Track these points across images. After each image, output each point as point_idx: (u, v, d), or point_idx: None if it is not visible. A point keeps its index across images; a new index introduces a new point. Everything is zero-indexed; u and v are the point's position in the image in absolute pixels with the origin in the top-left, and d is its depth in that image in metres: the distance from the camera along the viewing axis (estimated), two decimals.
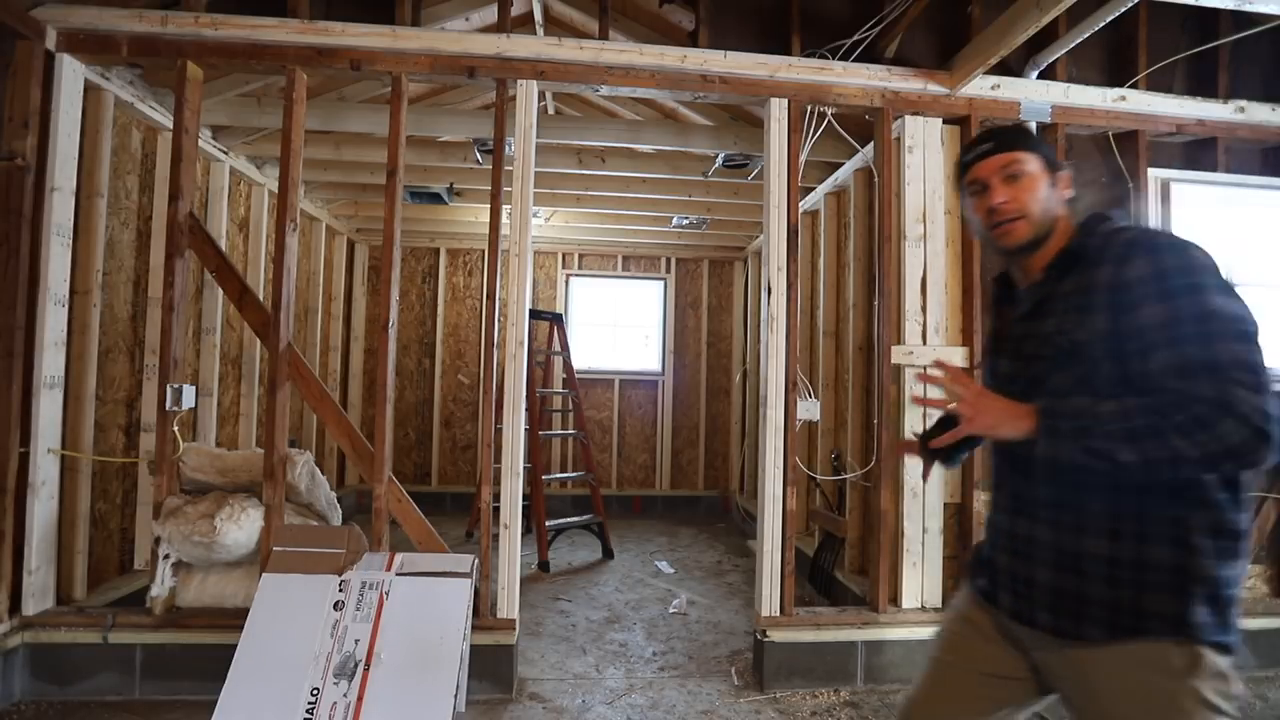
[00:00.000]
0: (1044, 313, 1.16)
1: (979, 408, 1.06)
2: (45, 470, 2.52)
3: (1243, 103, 3.09)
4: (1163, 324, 0.98)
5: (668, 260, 6.56)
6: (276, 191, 3.33)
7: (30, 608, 2.48)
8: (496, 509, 2.67)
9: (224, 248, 3.58)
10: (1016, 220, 1.19)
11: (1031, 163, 1.20)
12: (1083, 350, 1.07)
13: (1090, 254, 1.12)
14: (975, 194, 1.24)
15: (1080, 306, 1.09)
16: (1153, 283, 1.01)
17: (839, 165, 3.78)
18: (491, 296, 2.80)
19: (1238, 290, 0.99)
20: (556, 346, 5.30)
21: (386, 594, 2.37)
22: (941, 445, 1.34)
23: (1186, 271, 1.00)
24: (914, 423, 2.89)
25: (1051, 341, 1.12)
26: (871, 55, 2.94)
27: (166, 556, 2.58)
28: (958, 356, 2.93)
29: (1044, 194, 1.19)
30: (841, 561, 3.60)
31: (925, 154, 2.96)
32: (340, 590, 2.37)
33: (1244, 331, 0.96)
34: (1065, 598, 1.10)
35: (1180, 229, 3.07)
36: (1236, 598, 1.04)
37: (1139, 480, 1.03)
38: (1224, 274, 1.01)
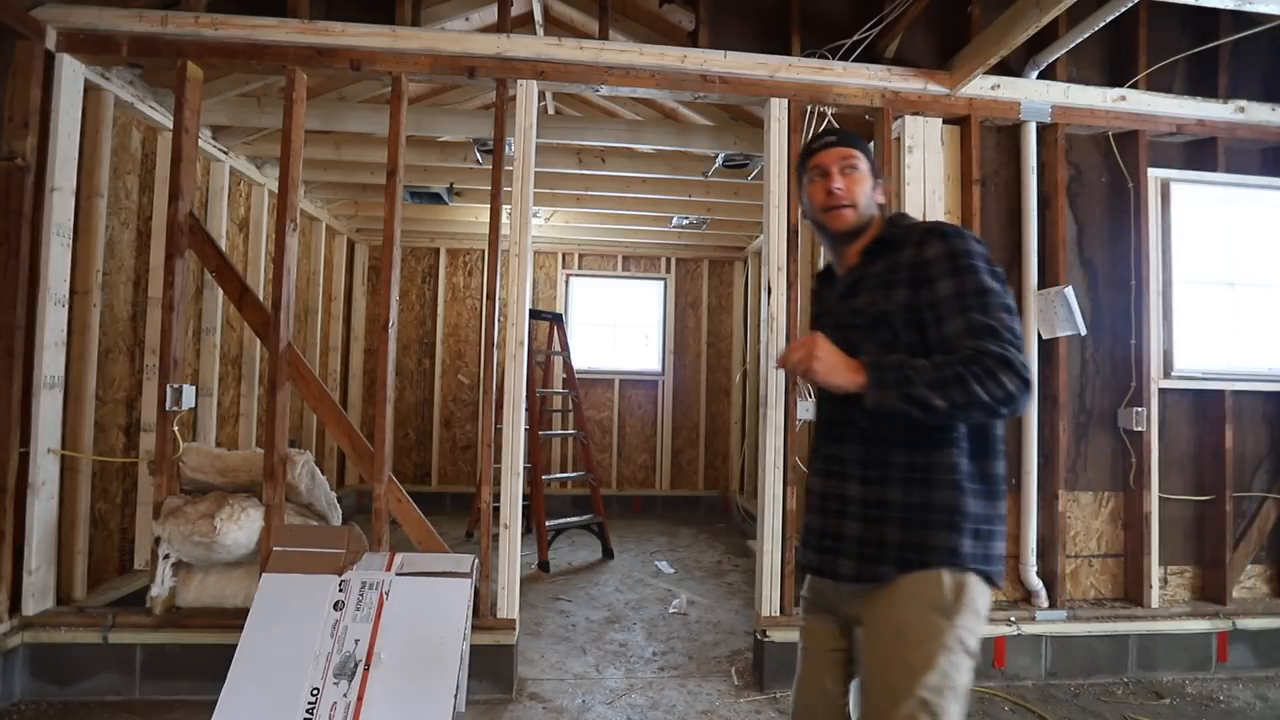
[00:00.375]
0: (858, 291, 1.34)
1: (819, 355, 1.17)
2: (45, 470, 2.52)
3: (1243, 103, 3.09)
4: (954, 295, 1.20)
5: (668, 260, 6.56)
6: (276, 191, 3.33)
7: (30, 608, 2.48)
8: (496, 509, 2.67)
9: (224, 248, 3.58)
10: (846, 207, 1.35)
11: (864, 163, 1.38)
12: (888, 318, 1.26)
13: (895, 241, 1.33)
14: (815, 178, 1.39)
15: (887, 283, 1.29)
16: (946, 261, 1.23)
17: None
18: (491, 296, 2.80)
19: (1000, 273, 1.25)
20: (556, 346, 5.30)
21: (386, 594, 2.37)
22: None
23: (969, 255, 1.23)
24: None
25: (864, 313, 1.30)
26: (871, 55, 2.94)
27: (166, 556, 2.58)
28: None
29: (868, 191, 1.38)
30: None
31: (925, 154, 2.96)
32: (340, 590, 2.37)
33: (1008, 305, 1.21)
34: (869, 545, 1.27)
35: (1181, 229, 3.08)
36: (999, 533, 1.27)
37: (929, 435, 1.23)
38: (990, 260, 1.26)
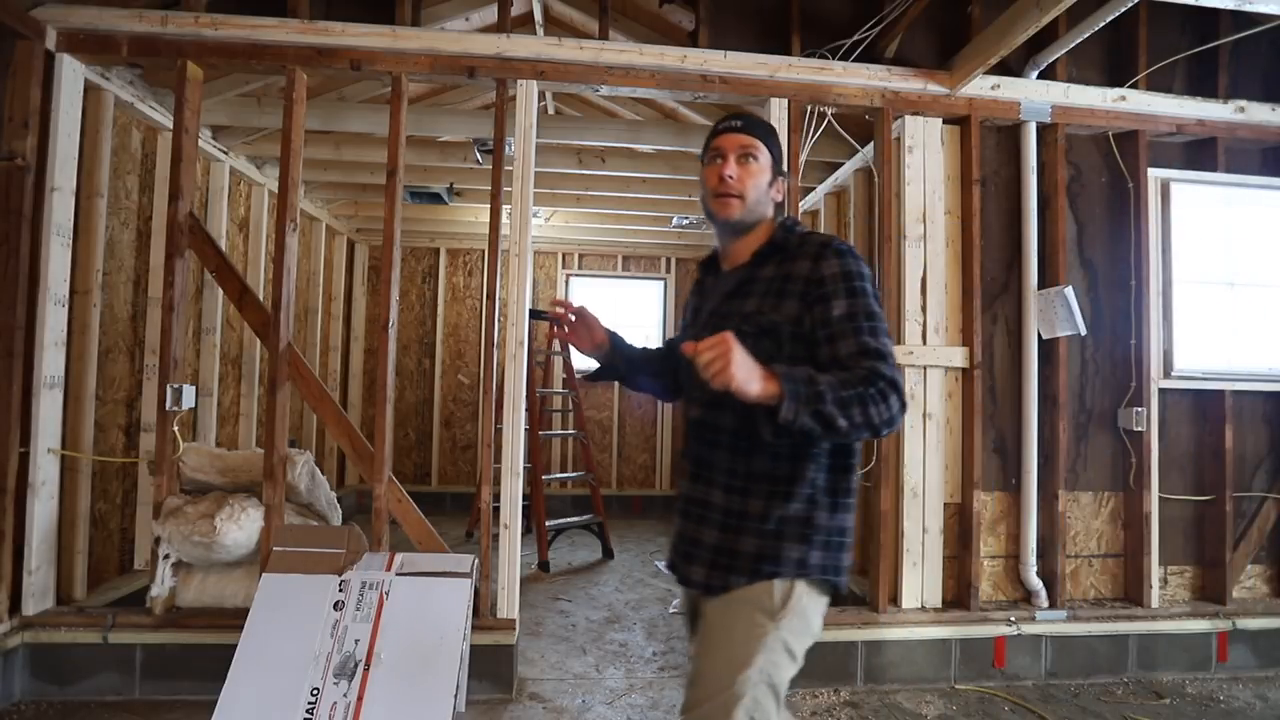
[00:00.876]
0: (747, 293, 1.30)
1: (737, 360, 1.06)
2: (45, 470, 2.52)
3: (1242, 103, 3.09)
4: (848, 316, 1.20)
5: (668, 260, 6.56)
6: (276, 191, 3.33)
7: (30, 608, 2.48)
8: (496, 509, 2.67)
9: (224, 248, 3.58)
10: (734, 197, 1.31)
11: (764, 155, 1.33)
12: (776, 329, 1.24)
13: (789, 249, 1.30)
14: (712, 160, 1.34)
15: (779, 292, 1.26)
16: (842, 282, 1.22)
17: (839, 165, 3.78)
18: (491, 296, 2.80)
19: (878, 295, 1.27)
20: (556, 347, 5.30)
21: (386, 594, 2.37)
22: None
23: (862, 277, 1.24)
24: (914, 421, 2.89)
25: (752, 319, 1.26)
26: (871, 55, 2.94)
27: (166, 556, 2.58)
28: (958, 356, 2.93)
29: (763, 186, 1.33)
30: None
31: (925, 154, 2.96)
32: (340, 590, 2.37)
33: (887, 329, 1.23)
34: (723, 554, 1.26)
35: (1181, 229, 3.08)
36: (848, 544, 1.29)
37: (794, 448, 1.23)
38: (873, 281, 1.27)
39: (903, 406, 1.15)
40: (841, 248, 1.26)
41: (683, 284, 6.58)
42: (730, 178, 1.30)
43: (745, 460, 1.26)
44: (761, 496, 1.25)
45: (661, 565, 4.59)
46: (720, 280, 1.39)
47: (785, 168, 1.38)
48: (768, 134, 1.36)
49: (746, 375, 1.07)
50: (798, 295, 1.24)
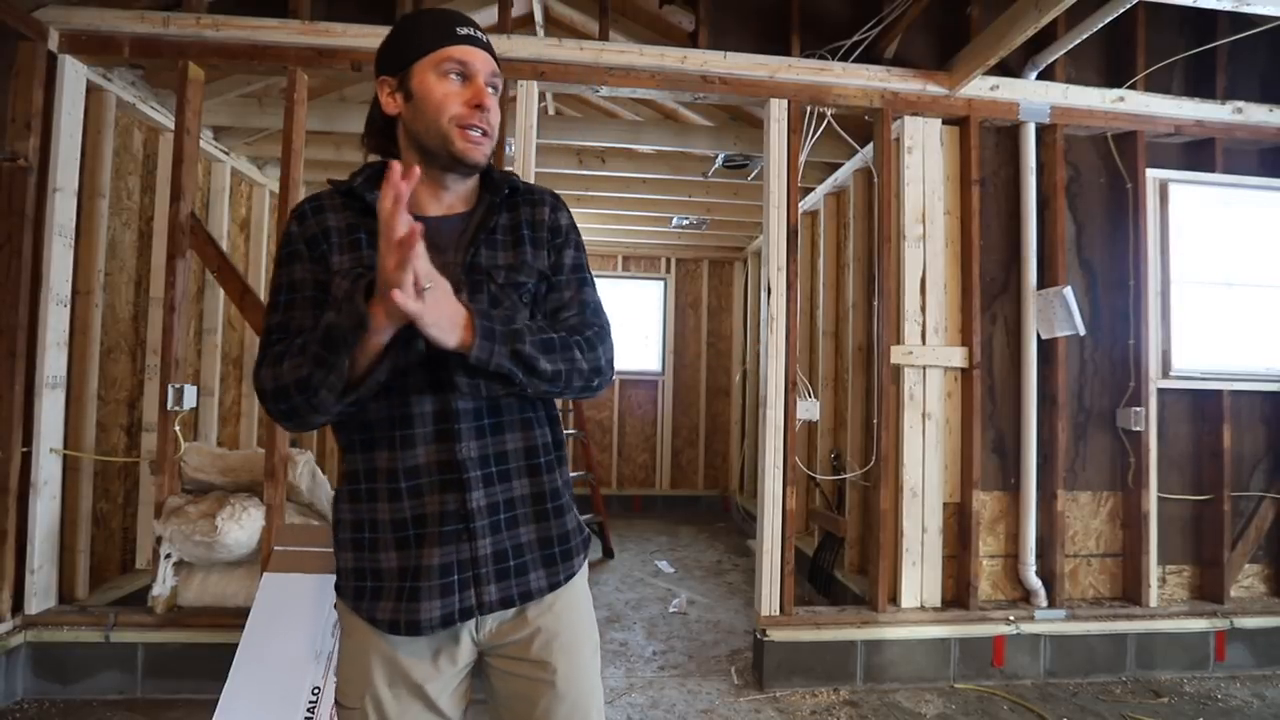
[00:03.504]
0: (489, 244, 1.08)
1: (437, 298, 0.88)
2: (47, 470, 2.53)
3: (1240, 104, 3.10)
4: (575, 268, 1.13)
5: (668, 260, 6.56)
6: (278, 192, 3.34)
7: (33, 607, 2.49)
8: None
9: (225, 248, 3.58)
10: (485, 138, 1.05)
11: (501, 89, 1.09)
12: (514, 277, 1.07)
13: (517, 192, 1.13)
14: (455, 76, 1.03)
15: (527, 241, 1.10)
16: (573, 232, 1.15)
17: (839, 166, 3.79)
18: None
19: None
20: None
21: None
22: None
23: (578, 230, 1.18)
24: (914, 421, 2.90)
25: (512, 272, 1.07)
26: (871, 56, 2.95)
27: (168, 556, 2.58)
28: (957, 356, 2.94)
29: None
30: (841, 561, 3.61)
31: (925, 154, 2.97)
32: None
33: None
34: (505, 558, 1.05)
35: (1179, 229, 3.08)
36: None
37: (533, 410, 1.09)
38: None
39: (611, 362, 1.08)
40: (559, 197, 1.18)
41: (683, 284, 6.59)
42: (488, 115, 1.04)
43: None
44: (524, 475, 1.11)
45: (662, 565, 4.60)
46: (427, 226, 0.90)
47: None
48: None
49: (446, 315, 0.90)
50: (541, 244, 1.10)
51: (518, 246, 1.09)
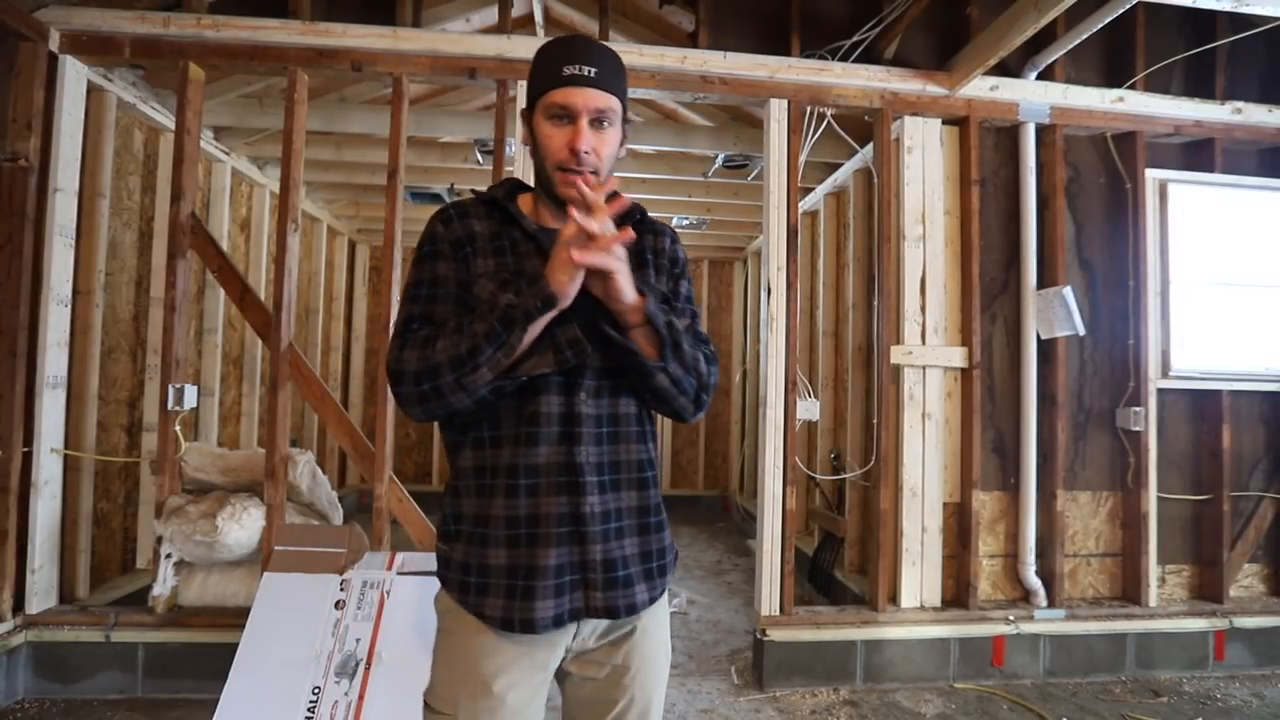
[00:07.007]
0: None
1: (611, 251, 0.95)
2: (48, 470, 2.54)
3: (1240, 104, 3.10)
4: (689, 297, 1.20)
5: None
6: (278, 192, 3.34)
7: (34, 606, 2.50)
8: None
9: (225, 248, 3.58)
10: (589, 174, 1.04)
11: (618, 115, 1.08)
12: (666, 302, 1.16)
13: (645, 222, 1.19)
14: (555, 119, 1.05)
15: (651, 266, 1.16)
16: (688, 267, 1.23)
17: (838, 166, 3.79)
18: None
19: None
20: None
21: (388, 593, 2.38)
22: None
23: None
24: (914, 421, 2.90)
25: (653, 290, 1.11)
26: (871, 56, 2.95)
27: (169, 556, 2.59)
28: (957, 356, 2.94)
29: (614, 155, 1.09)
30: (841, 561, 3.61)
31: (924, 155, 2.97)
32: (341, 589, 2.38)
33: None
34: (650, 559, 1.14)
35: (1178, 230, 3.09)
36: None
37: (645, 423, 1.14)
38: None
39: (715, 383, 1.14)
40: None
41: None
42: (586, 153, 1.03)
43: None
44: (634, 487, 1.13)
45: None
46: (531, 237, 1.10)
47: (629, 114, 1.16)
48: (622, 78, 1.10)
49: (619, 266, 0.97)
50: (664, 271, 1.17)
51: (642, 269, 1.15)
